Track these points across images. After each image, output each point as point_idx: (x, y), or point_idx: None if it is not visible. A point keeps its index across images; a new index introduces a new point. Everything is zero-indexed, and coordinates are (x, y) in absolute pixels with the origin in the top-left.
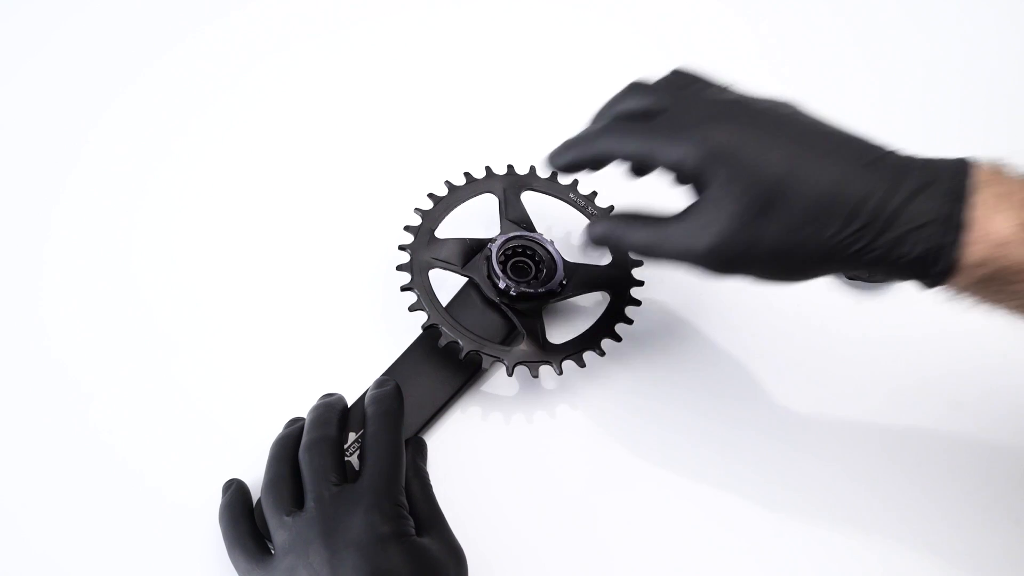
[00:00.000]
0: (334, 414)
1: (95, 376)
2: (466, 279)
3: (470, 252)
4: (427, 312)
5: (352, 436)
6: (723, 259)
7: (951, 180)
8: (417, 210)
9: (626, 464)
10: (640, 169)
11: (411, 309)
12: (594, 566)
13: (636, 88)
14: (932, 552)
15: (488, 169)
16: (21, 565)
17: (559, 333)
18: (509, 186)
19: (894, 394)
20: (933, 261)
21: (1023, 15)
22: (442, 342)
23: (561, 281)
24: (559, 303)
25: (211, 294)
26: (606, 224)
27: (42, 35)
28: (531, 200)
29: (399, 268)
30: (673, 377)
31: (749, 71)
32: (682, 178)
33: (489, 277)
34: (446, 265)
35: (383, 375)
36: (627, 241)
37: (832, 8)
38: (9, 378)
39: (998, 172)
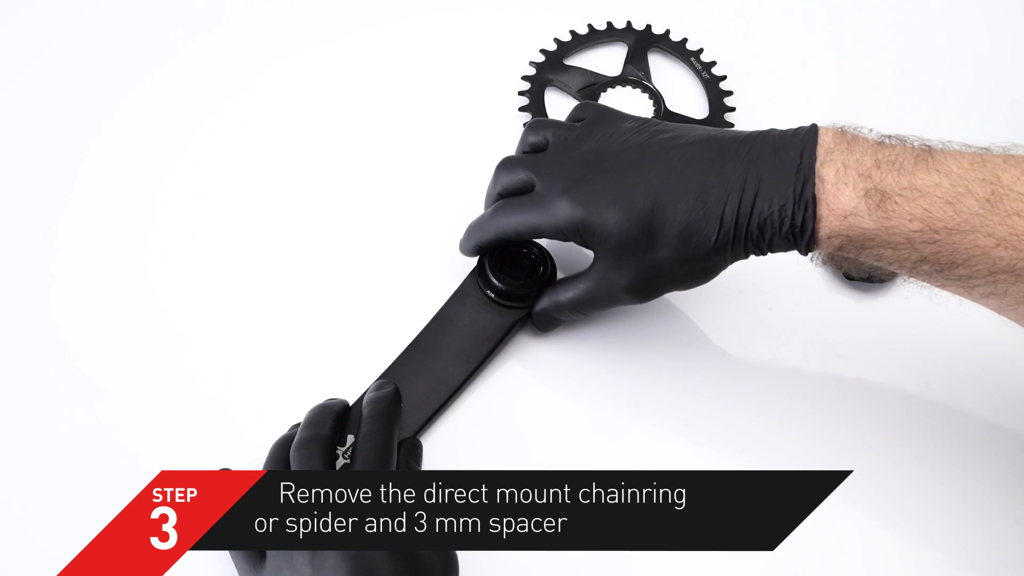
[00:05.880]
0: (329, 415)
1: (99, 377)
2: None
3: (589, 85)
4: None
5: (351, 439)
6: (642, 290)
7: (799, 156)
8: (546, 49)
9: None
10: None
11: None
12: (584, 565)
13: (506, 165)
14: (931, 551)
15: (609, 24)
16: (30, 560)
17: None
18: (637, 41)
19: (892, 392)
20: (801, 234)
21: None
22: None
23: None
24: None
25: (214, 294)
26: (542, 302)
27: (65, 30)
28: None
29: (523, 78)
30: (658, 347)
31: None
32: (573, 239)
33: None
34: (563, 86)
35: (381, 377)
36: (560, 306)
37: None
38: (19, 377)
39: (843, 139)
